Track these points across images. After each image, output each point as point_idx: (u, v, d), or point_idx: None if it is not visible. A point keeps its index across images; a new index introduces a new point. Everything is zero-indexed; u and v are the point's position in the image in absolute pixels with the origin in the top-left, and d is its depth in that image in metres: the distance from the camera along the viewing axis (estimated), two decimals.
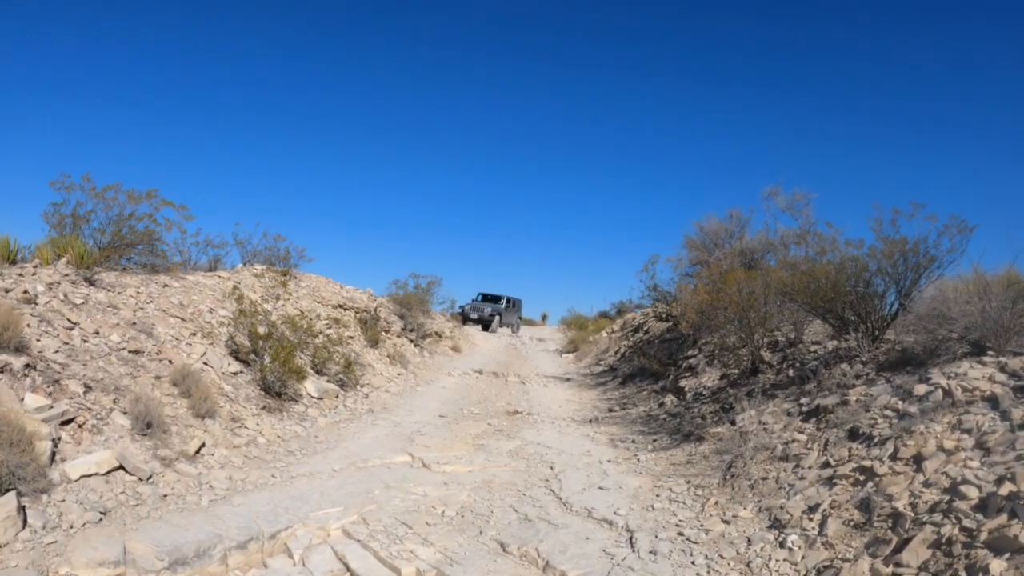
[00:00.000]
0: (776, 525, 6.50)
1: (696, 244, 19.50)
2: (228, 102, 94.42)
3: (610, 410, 14.93)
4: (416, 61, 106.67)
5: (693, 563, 6.09)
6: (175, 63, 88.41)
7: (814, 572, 5.53)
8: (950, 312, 8.51)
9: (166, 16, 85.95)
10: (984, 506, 5.12)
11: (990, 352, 8.00)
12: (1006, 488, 5.10)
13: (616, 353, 24.29)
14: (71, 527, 5.77)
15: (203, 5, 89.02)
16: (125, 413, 7.67)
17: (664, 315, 22.18)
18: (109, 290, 10.44)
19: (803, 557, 5.78)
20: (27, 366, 7.24)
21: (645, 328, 24.56)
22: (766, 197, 17.38)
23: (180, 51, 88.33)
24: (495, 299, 38.12)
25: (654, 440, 11.09)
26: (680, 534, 6.77)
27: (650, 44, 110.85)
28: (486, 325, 35.25)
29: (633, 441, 11.27)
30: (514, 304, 39.18)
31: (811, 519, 6.30)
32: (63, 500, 6.03)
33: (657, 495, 8.12)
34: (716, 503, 7.46)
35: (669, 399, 14.14)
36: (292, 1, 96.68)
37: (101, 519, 6.03)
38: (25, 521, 5.57)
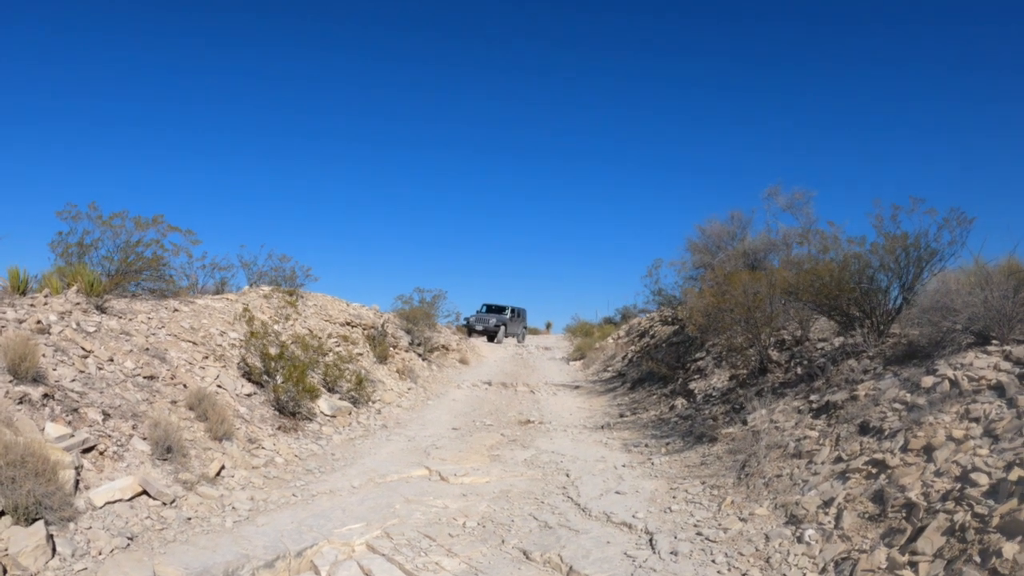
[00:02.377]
0: (792, 521, 6.60)
1: (699, 247, 19.59)
2: (227, 123, 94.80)
3: (621, 415, 15.02)
4: (414, 75, 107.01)
5: (714, 561, 6.19)
6: (174, 85, 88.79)
7: (832, 565, 5.63)
8: (953, 304, 8.61)
9: (163, 38, 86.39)
10: (995, 492, 5.22)
11: (994, 341, 8.10)
12: (1015, 473, 5.20)
13: (623, 358, 24.35)
14: (100, 554, 5.85)
15: (202, 25, 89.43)
16: (144, 439, 7.77)
17: (670, 319, 22.26)
18: (120, 317, 10.56)
19: (821, 550, 5.88)
20: (45, 396, 7.35)
21: (651, 332, 24.64)
22: (766, 197, 17.50)
23: (178, 72, 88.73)
24: (500, 310, 38.08)
25: (667, 443, 11.19)
26: (699, 534, 6.87)
27: (646, 52, 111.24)
28: (491, 336, 35.25)
29: (646, 445, 11.37)
30: (518, 314, 39.18)
31: (827, 513, 6.40)
32: (90, 527, 6.12)
33: (674, 497, 8.22)
34: (732, 502, 7.56)
35: (679, 402, 14.24)
36: (290, 22, 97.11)
37: (129, 544, 6.12)
38: (54, 550, 5.66)
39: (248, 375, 11.47)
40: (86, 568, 5.61)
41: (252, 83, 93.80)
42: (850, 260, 10.57)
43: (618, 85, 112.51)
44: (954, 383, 7.24)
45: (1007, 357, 7.47)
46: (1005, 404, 6.45)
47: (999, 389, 6.77)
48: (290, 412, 11.14)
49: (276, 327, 14.56)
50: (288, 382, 11.25)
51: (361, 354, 17.06)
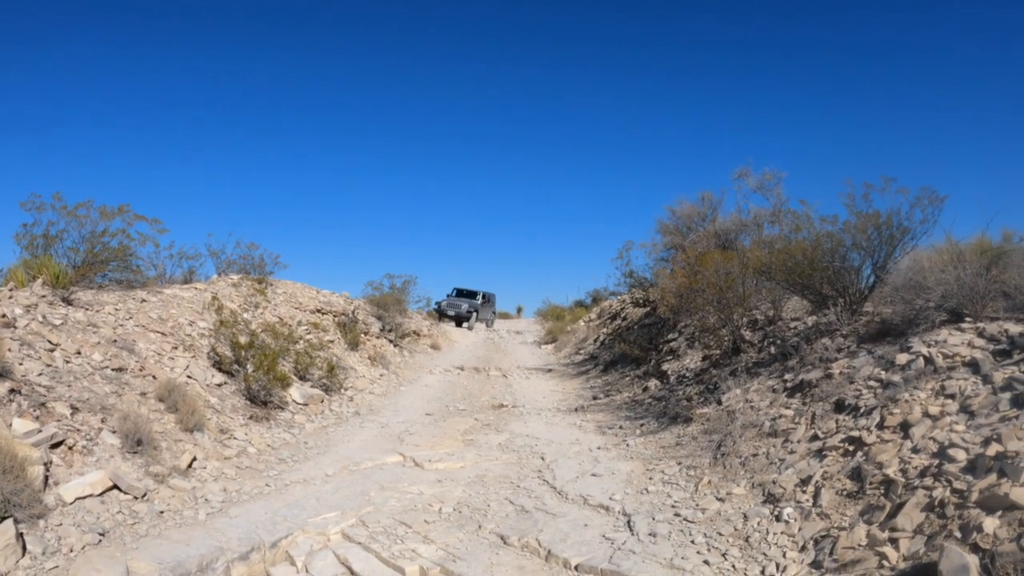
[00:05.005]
0: (770, 500, 6.61)
1: (669, 228, 19.61)
2: (193, 112, 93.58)
3: (594, 398, 15.03)
4: (383, 63, 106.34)
5: (693, 542, 6.18)
6: (138, 75, 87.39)
7: (812, 543, 5.64)
8: (926, 281, 8.66)
9: (129, 28, 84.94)
10: (973, 467, 5.25)
11: (967, 319, 8.15)
12: (993, 449, 5.23)
13: (595, 341, 24.40)
14: (71, 551, 5.72)
15: (169, 14, 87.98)
16: (114, 432, 7.61)
17: (641, 300, 22.29)
18: (87, 309, 10.34)
19: (800, 529, 5.89)
20: (12, 391, 7.16)
21: (623, 315, 24.68)
22: (736, 178, 17.52)
23: (142, 62, 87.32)
24: (471, 294, 37.85)
25: (641, 424, 11.20)
26: (677, 515, 6.86)
27: (614, 41, 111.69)
28: (460, 321, 35.03)
29: (621, 427, 11.37)
30: (488, 299, 39.06)
31: (804, 491, 6.41)
32: (60, 524, 5.97)
33: (650, 478, 8.21)
34: (709, 482, 7.56)
35: (653, 383, 14.26)
36: (252, 11, 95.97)
37: (100, 540, 5.99)
38: (24, 548, 5.51)
39: (218, 365, 11.30)
40: (57, 566, 5.47)
41: (218, 73, 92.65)
42: (822, 239, 10.61)
43: (585, 72, 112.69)
44: (929, 360, 7.28)
45: (981, 334, 7.53)
46: (980, 380, 6.50)
47: (974, 366, 6.82)
48: (261, 401, 10.99)
49: (246, 315, 14.36)
50: (259, 371, 11.10)
51: (332, 341, 16.89)
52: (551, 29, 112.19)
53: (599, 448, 9.96)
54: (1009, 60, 76.05)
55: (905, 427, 6.37)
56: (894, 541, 5.03)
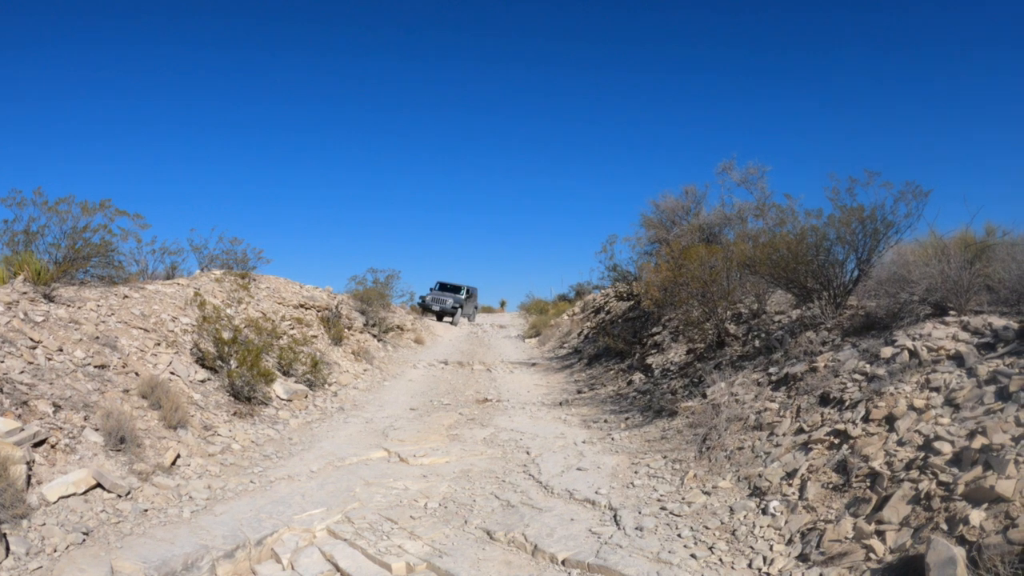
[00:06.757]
0: (756, 493, 6.62)
1: (653, 222, 19.61)
2: (174, 109, 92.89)
3: (579, 392, 15.03)
4: (368, 58, 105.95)
5: (679, 536, 6.18)
6: (118, 69, 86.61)
7: (799, 535, 5.65)
8: (910, 275, 8.71)
9: (111, 25, 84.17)
10: (958, 460, 5.27)
11: (952, 312, 8.20)
12: (978, 441, 5.25)
13: (579, 335, 24.41)
14: (55, 551, 5.65)
15: (152, 9, 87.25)
16: (97, 430, 7.54)
17: (625, 294, 22.32)
18: (69, 305, 10.24)
19: (786, 522, 5.90)
20: None
21: (607, 308, 24.71)
22: (720, 172, 17.49)
23: (124, 56, 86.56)
24: (455, 288, 37.72)
25: (626, 418, 11.21)
26: (663, 508, 6.87)
27: (600, 39, 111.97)
28: (448, 315, 34.89)
29: (605, 421, 11.38)
30: (471, 293, 38.99)
31: (790, 484, 6.43)
32: (44, 524, 5.91)
33: (636, 472, 8.21)
34: (695, 476, 7.57)
35: (637, 377, 14.28)
36: (236, 7, 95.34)
37: (84, 540, 5.93)
38: (8, 549, 5.45)
39: (201, 361, 11.22)
40: (41, 566, 5.41)
41: (201, 69, 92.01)
42: (807, 232, 10.64)
43: (568, 68, 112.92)
44: (913, 353, 7.31)
45: (965, 327, 7.57)
46: (965, 373, 6.53)
47: (958, 359, 6.85)
48: (245, 397, 10.93)
49: (229, 311, 14.27)
50: (242, 367, 11.03)
51: (316, 336, 16.83)
52: (536, 26, 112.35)
53: (584, 442, 9.96)
54: (994, 57, 76.68)
55: (890, 420, 6.40)
56: (881, 534, 5.05)
